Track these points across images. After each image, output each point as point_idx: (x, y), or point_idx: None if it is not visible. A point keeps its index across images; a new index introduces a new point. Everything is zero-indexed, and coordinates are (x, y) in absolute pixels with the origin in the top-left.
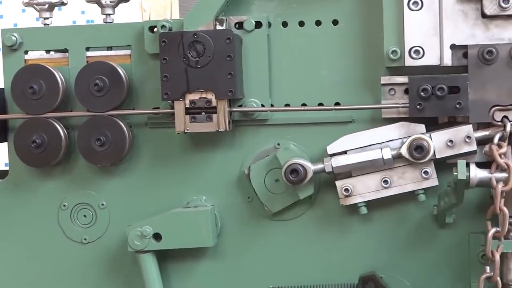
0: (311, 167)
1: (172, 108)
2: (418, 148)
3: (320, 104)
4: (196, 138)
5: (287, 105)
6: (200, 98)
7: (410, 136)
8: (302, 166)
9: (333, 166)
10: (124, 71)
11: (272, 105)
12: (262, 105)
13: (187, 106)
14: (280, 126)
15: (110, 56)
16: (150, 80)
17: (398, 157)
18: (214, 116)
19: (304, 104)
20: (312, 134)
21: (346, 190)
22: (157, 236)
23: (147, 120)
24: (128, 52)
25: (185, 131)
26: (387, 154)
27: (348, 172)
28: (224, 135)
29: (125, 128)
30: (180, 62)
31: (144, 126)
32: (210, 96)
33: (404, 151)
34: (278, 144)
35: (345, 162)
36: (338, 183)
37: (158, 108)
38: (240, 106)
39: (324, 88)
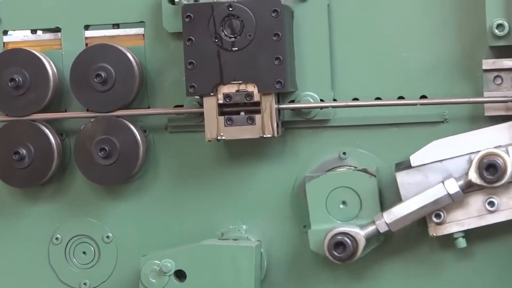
0: (361, 234)
1: (201, 106)
2: (490, 168)
3: (401, 98)
4: (233, 146)
5: (355, 99)
6: (237, 91)
7: (478, 152)
8: (348, 236)
9: (388, 223)
10: (135, 56)
11: (335, 100)
12: (322, 100)
13: (221, 103)
14: (346, 128)
15: (117, 37)
16: (170, 68)
17: (468, 186)
18: (257, 116)
19: (378, 99)
20: (389, 139)
21: (437, 215)
22: (180, 275)
23: (167, 122)
24: (141, 31)
25: (218, 138)
26: (452, 186)
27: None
28: (271, 143)
29: (137, 134)
30: (210, 44)
31: (163, 130)
32: (252, 89)
33: (472, 175)
34: (344, 153)
35: (401, 214)
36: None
37: (181, 106)
38: (292, 102)
39: (406, 77)
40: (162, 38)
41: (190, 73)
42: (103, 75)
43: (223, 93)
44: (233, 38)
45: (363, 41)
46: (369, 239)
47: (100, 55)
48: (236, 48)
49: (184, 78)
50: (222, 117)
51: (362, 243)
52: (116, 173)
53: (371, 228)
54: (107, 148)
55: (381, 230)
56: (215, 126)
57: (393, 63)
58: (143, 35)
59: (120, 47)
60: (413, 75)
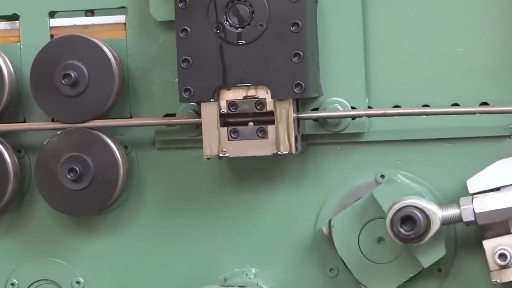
0: (438, 213)
1: (198, 115)
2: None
3: (455, 105)
4: (239, 167)
5: (397, 107)
6: (245, 98)
7: None
8: (421, 211)
9: (476, 212)
10: (115, 52)
11: (370, 108)
12: (354, 108)
13: (224, 111)
14: (385, 144)
15: (91, 27)
16: (159, 67)
17: None
18: (270, 128)
19: (426, 106)
20: (439, 158)
21: (502, 256)
22: None
23: (154, 136)
24: (121, 19)
25: (220, 155)
26: None
27: (504, 224)
28: (288, 162)
29: (116, 151)
30: (210, 36)
31: (149, 146)
32: (263, 94)
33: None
34: (382, 176)
35: (497, 206)
36: (488, 244)
37: (173, 116)
38: (316, 110)
39: (461, 78)
40: (148, 28)
41: (185, 74)
42: (72, 75)
43: (226, 100)
44: (240, 29)
45: (406, 33)
46: (446, 223)
47: (69, 50)
48: (244, 42)
49: (176, 80)
50: (225, 128)
51: (436, 223)
52: (89, 201)
53: (452, 212)
54: (77, 169)
55: (465, 219)
56: (216, 141)
57: (445, 61)
58: (125, 24)
59: (95, 40)
60: (471, 76)
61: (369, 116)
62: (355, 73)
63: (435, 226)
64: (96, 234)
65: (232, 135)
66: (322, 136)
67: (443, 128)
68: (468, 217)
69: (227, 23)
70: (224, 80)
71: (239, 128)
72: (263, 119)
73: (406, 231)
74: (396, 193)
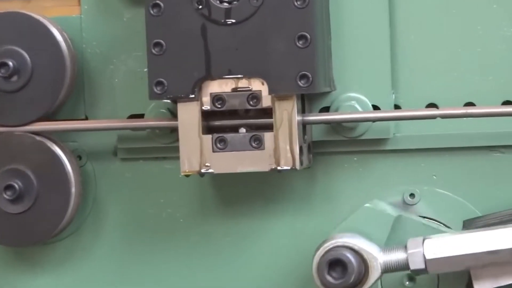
0: (379, 258)
1: (174, 117)
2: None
3: (507, 103)
4: (227, 185)
5: (432, 106)
6: (235, 90)
7: None
8: (356, 253)
9: (427, 258)
10: (66, 34)
11: (397, 108)
12: (376, 108)
13: (207, 109)
14: (416, 153)
15: (36, 1)
16: (123, 53)
17: None
18: (268, 135)
19: (469, 104)
20: (488, 172)
21: None
22: None
23: (116, 143)
24: None
25: (203, 170)
26: None
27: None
28: (291, 179)
29: (67, 162)
30: (190, 13)
31: (110, 156)
32: (259, 86)
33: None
34: (412, 195)
35: (454, 251)
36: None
37: (141, 116)
38: (326, 110)
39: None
40: (110, 3)
41: (157, 62)
42: (10, 64)
43: (210, 94)
44: (228, 4)
45: (445, 10)
46: (389, 271)
47: (6, 31)
48: (233, 20)
49: (146, 70)
50: (209, 136)
51: (375, 272)
52: (32, 228)
53: (397, 257)
54: (16, 186)
55: (412, 266)
56: (197, 152)
57: (493, 48)
58: None
59: (39, 18)
60: None
61: (395, 119)
62: (378, 62)
63: (374, 274)
64: (41, 269)
65: (218, 145)
66: (335, 144)
67: (491, 133)
68: (416, 264)
69: None
70: (208, 70)
71: (227, 136)
72: (257, 122)
73: (334, 279)
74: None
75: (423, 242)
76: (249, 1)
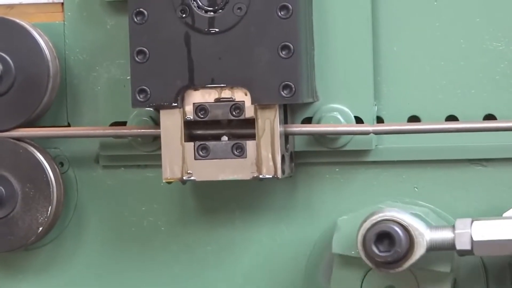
0: (426, 235)
1: (156, 125)
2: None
3: (489, 118)
4: (209, 194)
5: (414, 119)
6: (218, 100)
7: None
8: (404, 228)
9: (475, 240)
10: (49, 40)
11: (379, 120)
12: (359, 120)
13: (189, 118)
14: (398, 165)
15: (18, 7)
16: (106, 60)
17: None
18: (250, 144)
19: (451, 118)
20: (470, 185)
21: None
22: None
23: (98, 151)
24: None
25: (185, 178)
26: None
27: None
28: (273, 189)
29: (49, 169)
30: (174, 22)
31: (91, 164)
32: (241, 97)
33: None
34: None
35: (504, 235)
36: None
37: (123, 124)
38: (309, 121)
39: (498, 83)
40: (93, 10)
41: (140, 70)
42: None
43: (193, 103)
44: (212, 13)
45: (428, 22)
46: (434, 249)
47: None
48: (217, 30)
49: (128, 78)
50: (191, 144)
51: (421, 248)
52: (13, 234)
53: (444, 236)
54: None
55: (459, 246)
56: (179, 159)
57: (477, 60)
58: (62, 4)
59: (23, 24)
60: (509, 80)
61: (377, 133)
62: (361, 73)
63: (419, 250)
64: (22, 275)
65: (201, 153)
66: (317, 154)
67: (473, 146)
68: (463, 244)
69: (195, 4)
70: (191, 79)
71: (210, 143)
72: (240, 131)
73: (380, 251)
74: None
75: (471, 224)
76: (233, 11)
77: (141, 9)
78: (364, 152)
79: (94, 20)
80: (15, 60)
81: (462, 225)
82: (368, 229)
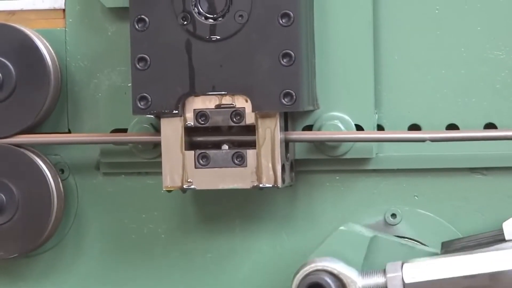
0: (358, 282)
1: (157, 132)
2: None
3: (490, 126)
4: (209, 202)
5: (414, 127)
6: (218, 106)
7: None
8: (335, 277)
9: (406, 282)
10: (50, 46)
11: (380, 128)
12: (358, 127)
13: (190, 125)
14: (398, 174)
15: (20, 13)
16: (107, 67)
17: None
18: (250, 153)
19: (452, 126)
20: (470, 193)
21: None
22: None
23: (99, 158)
24: (59, 3)
25: (185, 186)
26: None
27: None
28: (273, 197)
29: (49, 175)
30: (175, 29)
31: (92, 171)
32: (242, 104)
33: None
34: (394, 215)
35: (434, 275)
36: None
37: (124, 131)
38: (309, 128)
39: (499, 92)
40: (94, 16)
41: (141, 77)
42: None
43: (194, 110)
44: (213, 20)
45: (428, 30)
46: None
47: None
48: (218, 37)
49: (129, 85)
50: (192, 152)
51: None
52: (13, 241)
53: (376, 281)
54: None
55: None
56: (179, 168)
57: (477, 68)
58: (63, 10)
59: (24, 30)
60: (510, 90)
61: (378, 140)
62: (361, 81)
63: None
64: (23, 282)
65: (201, 161)
66: (317, 162)
67: (473, 155)
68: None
69: (197, 11)
70: (192, 87)
71: (210, 152)
72: (240, 139)
73: None
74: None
75: (402, 266)
76: (234, 18)
77: (142, 16)
78: (365, 160)
79: (96, 27)
80: (16, 66)
81: (392, 268)
82: (300, 281)
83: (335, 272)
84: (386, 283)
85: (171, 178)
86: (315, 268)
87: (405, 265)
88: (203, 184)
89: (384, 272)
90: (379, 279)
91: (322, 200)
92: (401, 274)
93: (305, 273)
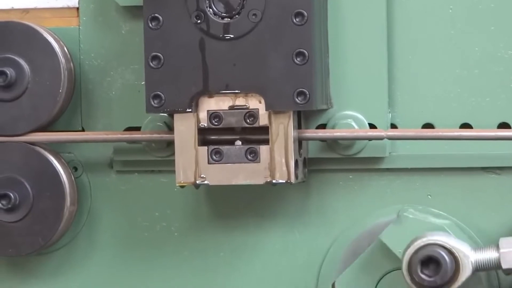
0: (471, 256)
1: (170, 129)
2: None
3: (504, 126)
4: (222, 198)
5: (428, 126)
6: (232, 108)
7: None
8: (448, 251)
9: None
10: (64, 45)
11: (394, 127)
12: (372, 126)
13: (203, 125)
14: (411, 173)
15: (34, 11)
16: (120, 65)
17: None
18: (264, 149)
19: (465, 126)
20: (481, 192)
21: None
22: None
23: (112, 156)
24: (73, 2)
25: (198, 182)
26: None
27: None
28: (286, 193)
29: (63, 173)
30: (189, 27)
31: (105, 168)
32: (256, 104)
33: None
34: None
35: None
36: None
37: (137, 129)
38: (323, 127)
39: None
40: (108, 15)
41: (154, 75)
42: (8, 73)
43: (207, 111)
44: (227, 19)
45: (442, 30)
46: (480, 269)
47: (4, 40)
48: (232, 36)
49: (143, 83)
50: (205, 148)
51: (467, 270)
52: (26, 238)
53: (489, 255)
54: (11, 196)
55: (505, 265)
56: (192, 164)
57: (491, 68)
58: (77, 9)
59: (38, 28)
60: None
61: (392, 138)
62: (375, 80)
63: (465, 273)
64: (35, 279)
65: (214, 157)
66: (331, 161)
67: (486, 154)
68: (509, 263)
69: (211, 11)
70: (205, 85)
71: (223, 148)
72: (254, 137)
73: (428, 276)
74: (412, 233)
75: None
76: (248, 17)
77: (156, 15)
78: (378, 159)
79: (109, 25)
80: (29, 64)
81: (506, 243)
82: (413, 255)
83: (448, 246)
84: (499, 258)
85: (184, 173)
86: (427, 242)
87: None
88: (216, 179)
89: (497, 247)
90: (492, 254)
91: (335, 198)
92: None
93: (416, 247)
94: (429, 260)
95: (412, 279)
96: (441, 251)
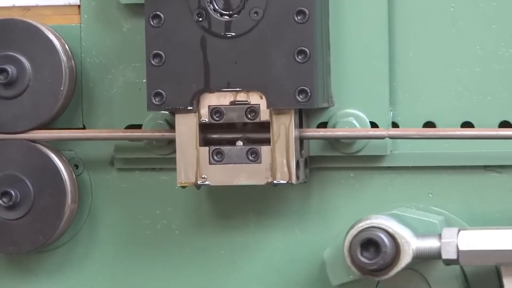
0: (412, 243)
1: (171, 128)
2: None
3: (505, 125)
4: (223, 198)
5: (429, 124)
6: (233, 103)
7: None
8: (390, 235)
9: (460, 249)
10: (65, 42)
11: (395, 125)
12: (374, 125)
13: (205, 122)
14: (413, 171)
15: (34, 9)
16: (122, 63)
17: None
18: (265, 149)
19: (467, 124)
20: (482, 191)
21: None
22: None
23: (113, 154)
24: (75, 0)
25: (199, 182)
26: None
27: None
28: (287, 193)
29: (64, 171)
30: (190, 25)
31: (106, 166)
32: (257, 100)
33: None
34: None
35: (489, 245)
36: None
37: (138, 127)
38: (324, 125)
39: None
40: (109, 12)
41: (156, 73)
42: (9, 71)
43: (208, 106)
44: (228, 17)
45: (444, 27)
46: (420, 257)
47: (5, 38)
48: (233, 34)
49: (144, 81)
50: (206, 148)
51: (407, 257)
52: (27, 235)
53: (430, 244)
54: (12, 193)
55: (444, 255)
56: (193, 164)
57: (492, 66)
58: (79, 6)
59: (39, 26)
60: None
61: (393, 137)
62: (376, 79)
63: (405, 258)
64: (36, 277)
65: (215, 157)
66: (332, 159)
67: (488, 153)
68: (448, 254)
69: (212, 8)
70: (206, 83)
71: (224, 148)
72: (255, 136)
73: (367, 259)
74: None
75: (458, 233)
76: (249, 15)
77: (157, 13)
78: (379, 157)
79: (111, 23)
80: (31, 62)
81: (448, 233)
82: (354, 236)
83: (390, 230)
84: (440, 248)
85: (185, 174)
86: (370, 225)
87: (461, 232)
88: (217, 180)
89: (440, 236)
90: (433, 243)
91: (336, 197)
92: (456, 240)
93: (359, 229)
94: (370, 243)
95: (352, 260)
96: (381, 235)
